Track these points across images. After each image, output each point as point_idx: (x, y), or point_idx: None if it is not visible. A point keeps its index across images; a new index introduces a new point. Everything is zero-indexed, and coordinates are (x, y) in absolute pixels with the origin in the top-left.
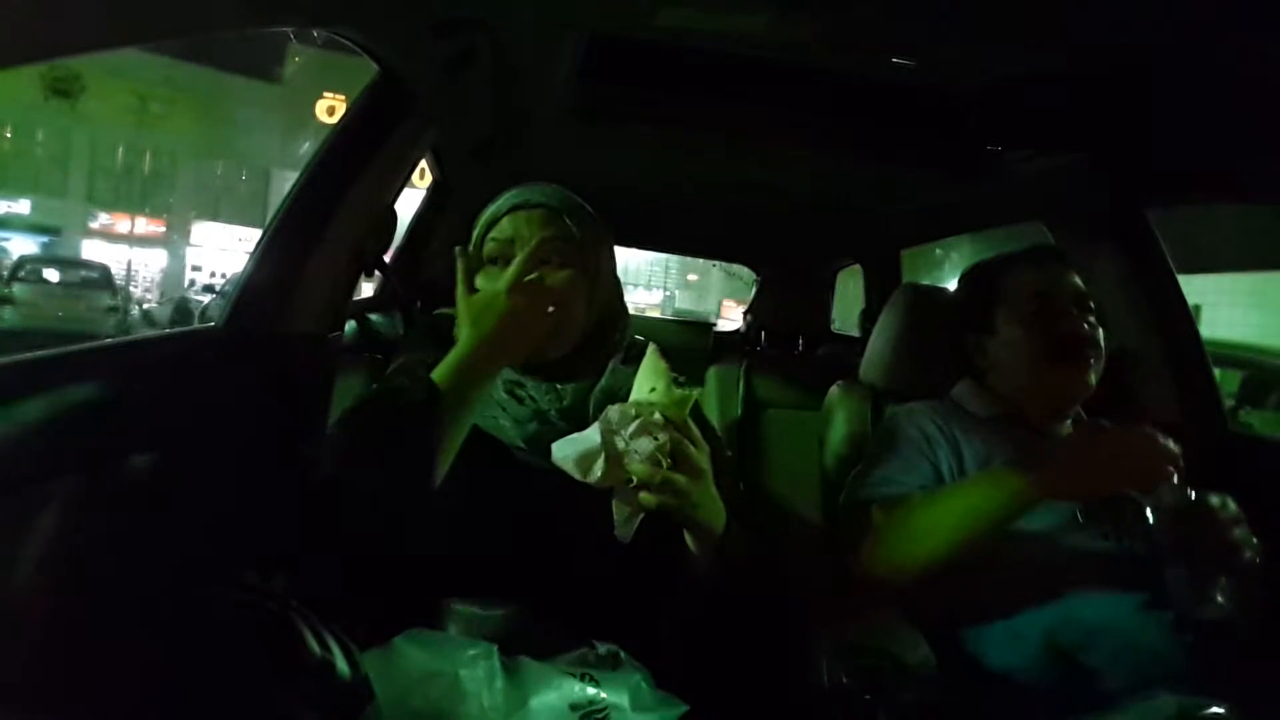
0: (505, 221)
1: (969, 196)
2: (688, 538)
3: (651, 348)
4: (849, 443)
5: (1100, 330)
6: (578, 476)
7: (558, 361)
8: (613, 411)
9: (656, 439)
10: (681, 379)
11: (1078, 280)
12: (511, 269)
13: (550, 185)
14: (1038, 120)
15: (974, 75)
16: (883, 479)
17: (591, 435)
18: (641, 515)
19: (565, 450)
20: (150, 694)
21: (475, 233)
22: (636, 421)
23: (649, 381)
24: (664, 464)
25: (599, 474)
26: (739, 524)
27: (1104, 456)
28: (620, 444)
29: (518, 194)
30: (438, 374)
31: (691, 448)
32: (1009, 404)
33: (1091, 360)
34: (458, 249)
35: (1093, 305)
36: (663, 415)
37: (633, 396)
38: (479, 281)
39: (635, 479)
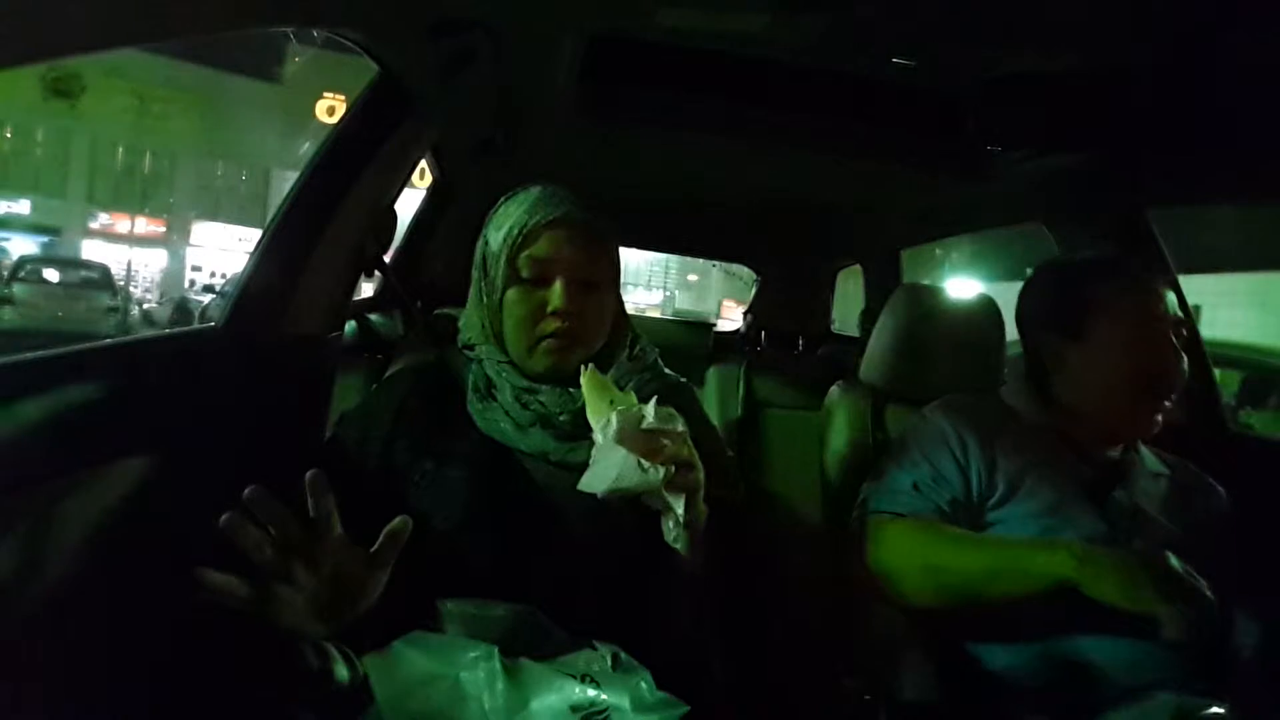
0: (545, 240)
1: (969, 196)
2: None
3: (588, 373)
4: (849, 443)
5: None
6: (643, 487)
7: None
8: (619, 420)
9: (673, 414)
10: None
11: (1178, 308)
12: None
13: (573, 193)
14: (1038, 120)
15: (974, 75)
16: (911, 486)
17: (611, 453)
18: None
19: (602, 476)
20: (150, 698)
21: (500, 244)
22: (651, 405)
23: (602, 399)
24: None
25: (660, 473)
26: (726, 524)
27: (1153, 583)
28: (644, 443)
29: (548, 205)
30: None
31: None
32: (1065, 417)
33: (1173, 399)
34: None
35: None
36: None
37: (593, 414)
38: (511, 299)
39: (677, 462)
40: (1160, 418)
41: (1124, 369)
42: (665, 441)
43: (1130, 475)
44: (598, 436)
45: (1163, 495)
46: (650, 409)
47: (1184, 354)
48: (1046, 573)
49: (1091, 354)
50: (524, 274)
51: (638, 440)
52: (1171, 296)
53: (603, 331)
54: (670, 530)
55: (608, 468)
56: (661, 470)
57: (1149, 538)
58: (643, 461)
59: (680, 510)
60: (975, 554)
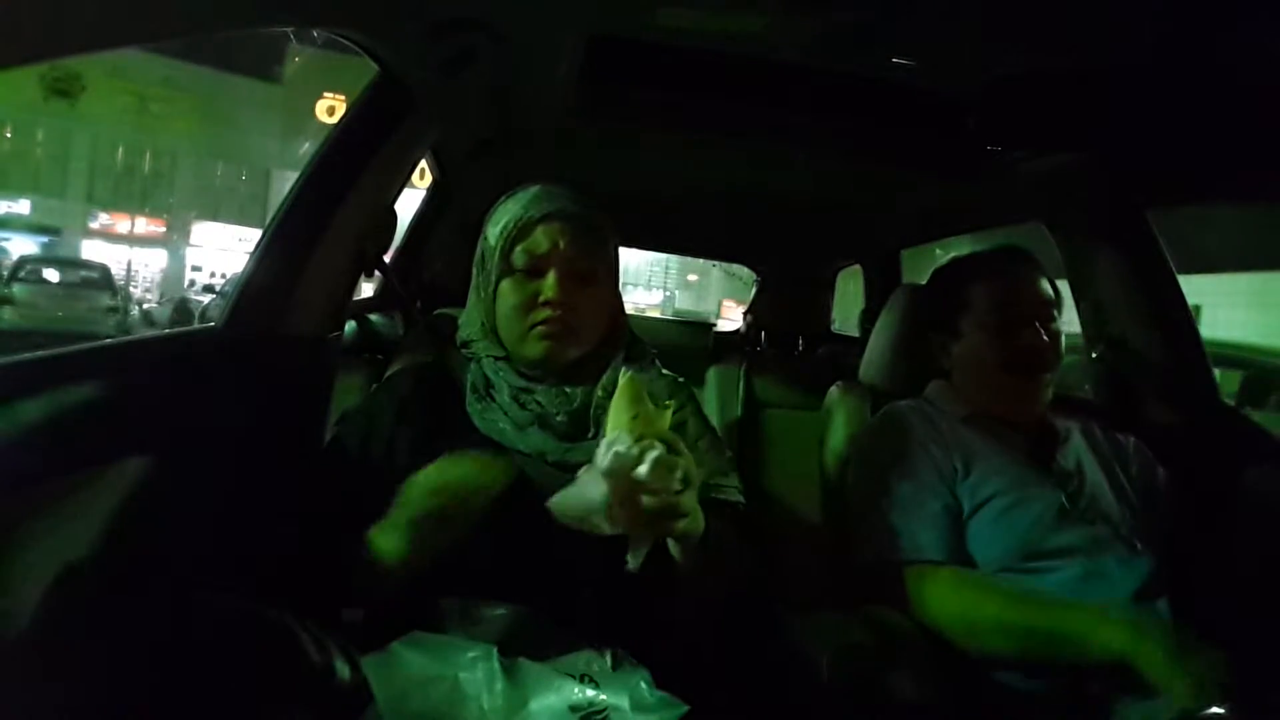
0: (539, 233)
1: (969, 196)
2: (670, 544)
3: (627, 377)
4: (849, 443)
5: (1062, 337)
6: (605, 529)
7: (570, 365)
8: (613, 460)
9: (674, 469)
10: (668, 403)
11: (1045, 285)
12: None
13: (571, 190)
14: (1038, 120)
15: (974, 75)
16: (922, 518)
17: (593, 487)
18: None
19: (571, 506)
20: (149, 697)
21: (496, 238)
22: (650, 459)
23: (627, 410)
24: (681, 489)
25: (610, 528)
26: (728, 525)
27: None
28: (627, 489)
29: (544, 200)
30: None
31: (689, 463)
32: (977, 404)
33: (1049, 373)
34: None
35: (1057, 312)
36: (662, 441)
37: (611, 424)
38: (505, 289)
39: (652, 512)
40: (1044, 391)
41: (991, 354)
42: (646, 497)
43: (1058, 438)
44: (598, 453)
45: (1086, 447)
46: (648, 461)
47: (1053, 334)
48: (1104, 647)
49: (966, 348)
50: (518, 266)
51: (622, 484)
52: (1044, 284)
53: (597, 327)
54: (630, 559)
55: (579, 502)
56: (612, 527)
57: (1099, 491)
58: (614, 508)
59: (636, 551)
60: (1028, 613)
